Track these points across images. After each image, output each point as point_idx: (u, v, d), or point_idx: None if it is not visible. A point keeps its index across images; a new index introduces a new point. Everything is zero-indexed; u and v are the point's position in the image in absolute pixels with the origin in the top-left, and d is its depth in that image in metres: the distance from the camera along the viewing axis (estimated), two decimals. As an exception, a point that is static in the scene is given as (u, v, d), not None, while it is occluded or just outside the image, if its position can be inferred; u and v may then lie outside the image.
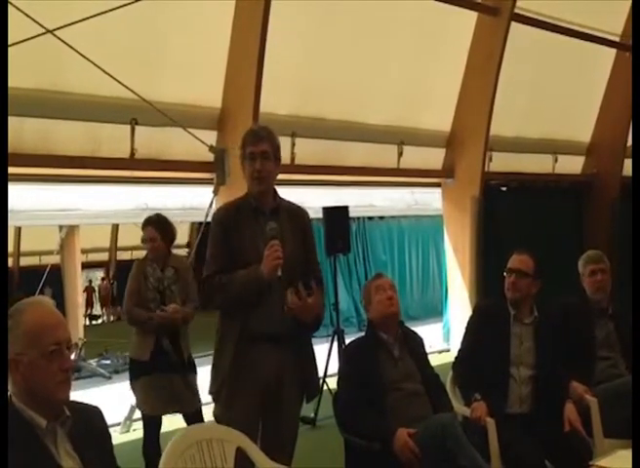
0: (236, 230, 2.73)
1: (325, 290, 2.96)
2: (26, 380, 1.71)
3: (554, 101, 8.19)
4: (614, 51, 8.60)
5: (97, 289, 18.59)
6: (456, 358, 3.45)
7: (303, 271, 2.75)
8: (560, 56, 7.98)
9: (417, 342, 3.21)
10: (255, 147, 2.75)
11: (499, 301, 3.40)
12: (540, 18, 7.52)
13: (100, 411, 1.93)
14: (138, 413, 5.76)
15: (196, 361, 4.04)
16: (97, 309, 18.60)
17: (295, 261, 2.69)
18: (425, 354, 3.25)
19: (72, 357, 1.90)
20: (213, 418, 2.81)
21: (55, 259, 10.51)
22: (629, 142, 8.63)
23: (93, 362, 9.20)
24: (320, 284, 2.82)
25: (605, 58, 8.61)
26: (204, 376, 3.01)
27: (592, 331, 3.59)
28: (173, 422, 4.76)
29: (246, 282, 2.65)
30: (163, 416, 4.06)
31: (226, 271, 2.68)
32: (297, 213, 2.89)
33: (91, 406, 1.93)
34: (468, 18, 7.17)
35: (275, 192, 2.85)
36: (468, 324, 3.47)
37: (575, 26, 7.83)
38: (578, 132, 8.88)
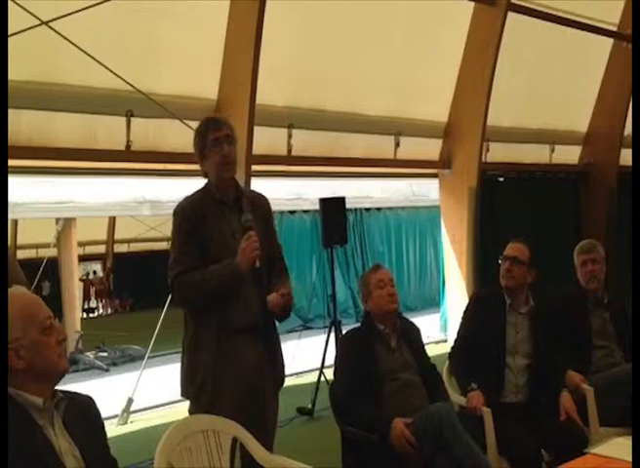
0: (202, 224, 2.64)
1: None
2: (30, 362, 1.75)
3: (551, 91, 8.18)
4: (610, 40, 8.58)
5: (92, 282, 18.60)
6: (452, 347, 3.46)
7: (269, 258, 2.73)
8: (557, 45, 7.95)
9: (414, 333, 3.21)
10: (219, 132, 2.69)
11: (495, 291, 3.41)
12: (537, 7, 7.49)
13: (92, 399, 1.95)
14: (135, 406, 5.80)
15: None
16: (93, 302, 18.59)
17: (262, 249, 2.65)
18: (422, 344, 3.25)
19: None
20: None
21: (52, 252, 10.50)
22: (626, 132, 8.63)
23: (90, 354, 9.21)
24: (286, 270, 2.85)
25: (602, 48, 8.58)
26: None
27: (588, 321, 3.60)
28: (170, 415, 4.78)
29: (223, 276, 2.59)
30: None
31: (197, 267, 2.60)
32: (258, 200, 2.84)
33: (83, 395, 1.95)
34: (465, 7, 7.14)
35: (236, 181, 2.80)
36: (464, 313, 3.48)
37: (572, 16, 7.80)
38: (575, 121, 8.87)
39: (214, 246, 2.64)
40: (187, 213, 2.68)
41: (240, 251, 2.59)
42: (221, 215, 2.69)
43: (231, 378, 2.61)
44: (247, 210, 2.69)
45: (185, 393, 2.72)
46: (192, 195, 2.78)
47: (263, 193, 2.94)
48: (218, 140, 2.69)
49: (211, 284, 2.59)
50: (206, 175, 2.78)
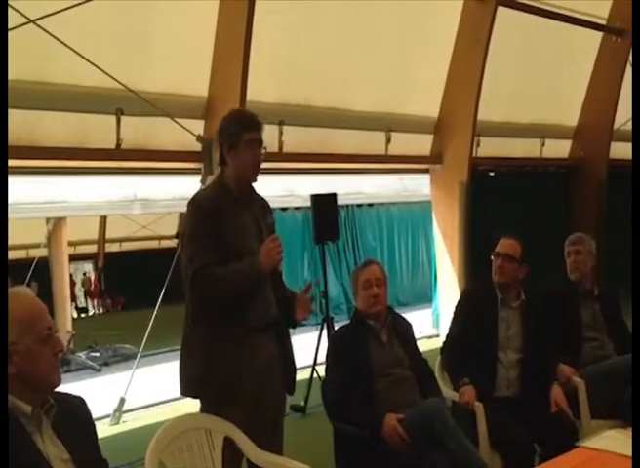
0: (221, 219, 2.60)
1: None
2: (21, 369, 1.72)
3: (541, 86, 8.20)
4: (600, 34, 8.61)
5: (80, 282, 18.47)
6: (444, 343, 3.47)
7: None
8: (546, 39, 7.98)
9: (405, 328, 3.21)
10: (255, 134, 2.67)
11: (486, 286, 3.42)
12: (527, 2, 7.51)
13: (84, 401, 1.94)
14: (127, 406, 5.79)
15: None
16: (81, 302, 18.49)
17: None
18: (414, 339, 3.25)
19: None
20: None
21: (42, 252, 10.45)
22: (616, 125, 8.67)
23: (82, 354, 9.17)
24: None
25: (591, 42, 8.62)
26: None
27: (578, 314, 3.62)
28: (162, 414, 4.76)
29: (246, 275, 2.56)
30: None
31: (219, 263, 2.55)
32: (264, 203, 2.85)
33: (74, 396, 1.94)
34: (455, 2, 7.15)
35: None
36: (456, 308, 3.49)
37: (561, 10, 7.82)
38: (565, 115, 8.91)
39: (230, 242, 2.60)
40: (207, 206, 2.63)
41: (266, 251, 2.57)
42: (237, 212, 2.67)
43: (251, 380, 2.58)
44: (257, 210, 2.71)
45: (198, 393, 2.64)
46: (208, 188, 2.79)
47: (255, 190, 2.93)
48: (253, 142, 2.66)
49: (234, 282, 2.55)
50: (221, 164, 2.73)
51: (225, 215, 2.63)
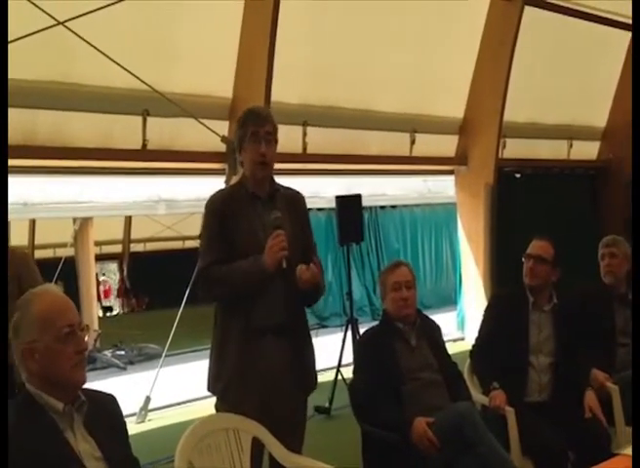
0: (232, 219, 2.57)
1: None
2: (43, 366, 1.73)
3: (569, 86, 8.08)
4: (628, 33, 8.46)
5: (101, 282, 18.61)
6: (473, 346, 3.42)
7: (303, 259, 2.62)
8: (574, 40, 7.86)
9: (434, 331, 3.18)
10: (259, 127, 2.59)
11: (517, 289, 3.36)
12: (554, 1, 7.41)
13: (115, 399, 1.94)
14: (153, 404, 5.82)
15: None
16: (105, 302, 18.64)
17: (295, 249, 2.57)
18: (443, 342, 3.21)
19: (86, 339, 1.89)
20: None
21: (69, 252, 10.56)
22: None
23: (107, 353, 9.24)
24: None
25: (620, 42, 8.47)
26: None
27: (612, 318, 3.55)
28: (187, 414, 4.76)
29: (247, 273, 2.51)
30: None
31: (224, 262, 2.53)
32: (294, 198, 2.73)
33: (105, 393, 1.94)
34: (481, 2, 7.09)
35: (272, 177, 2.70)
36: (486, 312, 3.43)
37: (589, 9, 7.71)
38: (593, 117, 8.77)
39: (242, 240, 2.56)
40: (216, 205, 2.62)
41: (267, 249, 2.50)
42: (253, 210, 2.61)
43: (255, 378, 2.55)
44: (280, 207, 2.60)
45: (212, 389, 2.66)
46: (226, 188, 2.76)
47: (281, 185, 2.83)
48: (257, 136, 2.59)
49: (235, 279, 2.52)
50: (242, 165, 2.71)
51: (236, 215, 2.59)
